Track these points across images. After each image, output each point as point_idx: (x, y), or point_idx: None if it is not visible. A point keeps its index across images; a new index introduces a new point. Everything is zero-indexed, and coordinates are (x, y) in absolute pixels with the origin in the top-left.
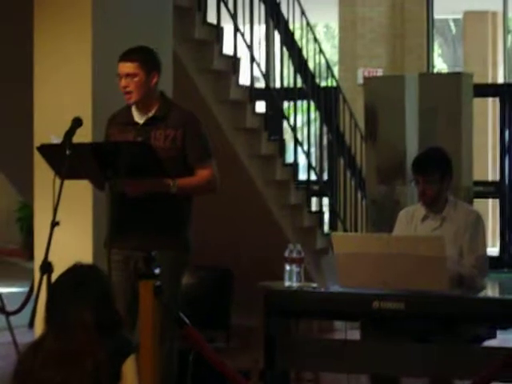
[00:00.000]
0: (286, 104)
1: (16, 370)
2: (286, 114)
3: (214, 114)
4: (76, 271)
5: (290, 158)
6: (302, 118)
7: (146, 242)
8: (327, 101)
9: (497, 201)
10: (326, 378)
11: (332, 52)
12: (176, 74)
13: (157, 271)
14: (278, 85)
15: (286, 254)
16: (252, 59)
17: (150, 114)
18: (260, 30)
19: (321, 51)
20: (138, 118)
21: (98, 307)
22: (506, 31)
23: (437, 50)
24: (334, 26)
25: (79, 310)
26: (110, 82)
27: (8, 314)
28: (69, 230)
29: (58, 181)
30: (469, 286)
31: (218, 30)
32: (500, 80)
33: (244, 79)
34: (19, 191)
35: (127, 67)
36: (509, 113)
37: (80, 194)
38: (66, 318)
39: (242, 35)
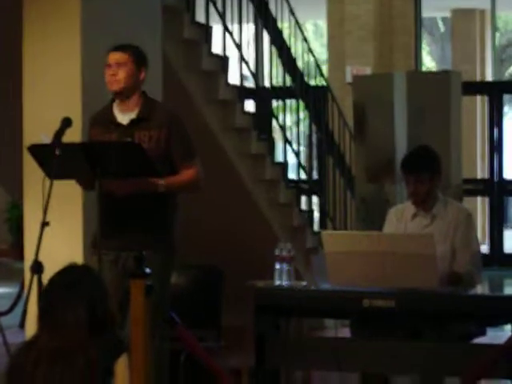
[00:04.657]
0: (275, 103)
1: (10, 367)
2: (275, 112)
3: (203, 113)
4: (70, 271)
5: (279, 157)
6: (291, 117)
7: (134, 241)
8: (316, 99)
9: (486, 198)
10: (316, 376)
11: (321, 51)
12: (165, 73)
13: (147, 271)
14: (267, 84)
15: (276, 252)
16: (241, 58)
17: (133, 115)
18: (249, 29)
19: (309, 50)
20: (121, 119)
21: (92, 307)
22: (494, 29)
23: (425, 48)
24: (323, 24)
25: (73, 309)
26: (100, 82)
27: None
28: (59, 230)
29: (47, 181)
30: (468, 283)
31: (206, 30)
32: (488, 78)
33: (233, 78)
34: (8, 191)
35: (118, 56)
36: (497, 110)
37: (70, 194)
38: (60, 317)
39: (231, 34)
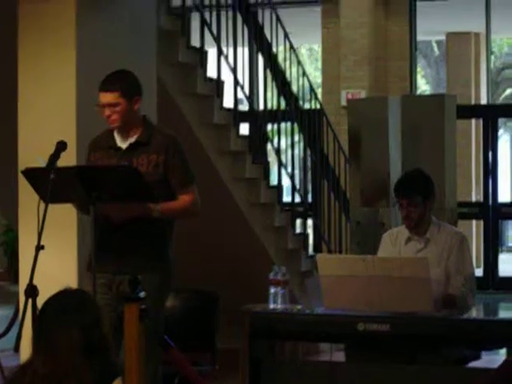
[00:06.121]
0: (269, 126)
1: None
2: (270, 136)
3: (198, 137)
4: (65, 295)
5: (274, 181)
6: (285, 141)
7: (128, 265)
8: (311, 123)
9: (481, 222)
10: None
11: (315, 74)
12: (160, 97)
13: (142, 294)
14: (261, 107)
15: (271, 276)
16: (236, 82)
17: (133, 140)
18: (243, 52)
19: (304, 74)
20: (121, 143)
21: (87, 331)
22: (488, 52)
23: (420, 72)
24: (318, 48)
25: (68, 333)
26: (94, 105)
27: None
28: (53, 253)
29: (42, 204)
30: (461, 305)
31: (201, 54)
32: (483, 101)
33: (228, 102)
34: (3, 215)
35: (108, 97)
36: (492, 134)
37: (64, 218)
38: (55, 341)
39: (226, 58)
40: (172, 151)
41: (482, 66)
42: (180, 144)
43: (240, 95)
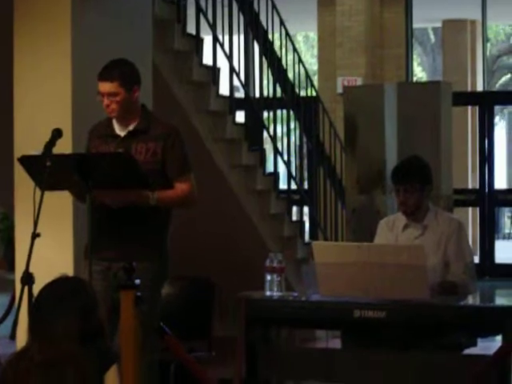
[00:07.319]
0: (265, 114)
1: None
2: (266, 123)
3: (194, 124)
4: (61, 282)
5: (270, 168)
6: (281, 128)
7: (125, 252)
8: (307, 110)
9: (477, 209)
10: None
11: (311, 62)
12: (156, 85)
13: (137, 281)
14: (257, 95)
15: (267, 263)
16: (231, 69)
17: (131, 128)
18: (239, 40)
19: (300, 61)
20: (119, 131)
21: (84, 318)
22: (484, 40)
23: (416, 59)
24: (314, 35)
25: (64, 321)
26: (90, 95)
27: None
28: (49, 241)
29: (38, 192)
30: (463, 292)
31: (197, 41)
32: (479, 88)
33: (224, 89)
34: None
35: (108, 87)
36: (488, 121)
37: (60, 206)
38: (51, 328)
39: (222, 46)
40: (171, 140)
41: (478, 53)
42: (179, 132)
43: (236, 82)
